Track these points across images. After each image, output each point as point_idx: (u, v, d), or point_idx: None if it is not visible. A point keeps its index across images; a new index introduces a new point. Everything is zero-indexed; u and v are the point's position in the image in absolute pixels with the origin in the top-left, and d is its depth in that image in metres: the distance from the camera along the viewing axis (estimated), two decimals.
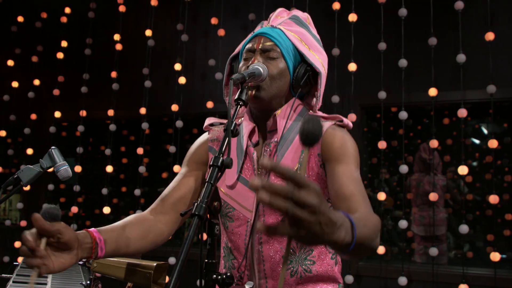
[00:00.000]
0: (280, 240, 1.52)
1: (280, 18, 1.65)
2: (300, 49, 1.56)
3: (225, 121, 1.69)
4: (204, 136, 1.71)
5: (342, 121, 1.56)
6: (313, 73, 1.58)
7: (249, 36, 1.61)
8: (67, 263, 1.22)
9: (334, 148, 1.47)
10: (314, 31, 1.66)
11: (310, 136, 0.95)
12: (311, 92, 1.64)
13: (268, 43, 1.54)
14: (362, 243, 1.05)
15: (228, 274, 1.18)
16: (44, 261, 1.17)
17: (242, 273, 1.57)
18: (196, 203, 1.13)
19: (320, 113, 1.61)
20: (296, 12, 1.67)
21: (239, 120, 1.67)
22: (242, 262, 1.56)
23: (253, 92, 1.49)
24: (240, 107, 1.36)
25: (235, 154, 1.59)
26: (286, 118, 1.54)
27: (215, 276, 1.18)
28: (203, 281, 1.19)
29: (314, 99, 1.62)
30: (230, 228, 1.59)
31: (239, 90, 1.37)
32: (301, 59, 1.57)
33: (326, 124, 1.51)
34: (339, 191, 1.40)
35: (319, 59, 1.58)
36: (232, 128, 1.28)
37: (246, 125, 1.60)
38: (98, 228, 1.38)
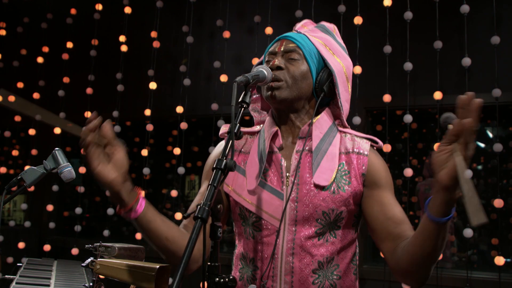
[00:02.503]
0: (312, 253, 1.48)
1: (305, 27, 1.65)
2: (323, 53, 1.55)
3: (248, 129, 1.67)
4: (220, 146, 1.68)
5: (377, 142, 1.59)
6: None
7: (274, 40, 1.62)
8: (109, 174, 1.30)
9: (382, 175, 1.53)
10: (340, 39, 1.65)
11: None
12: (335, 99, 1.61)
13: (290, 45, 1.54)
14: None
15: (231, 277, 1.17)
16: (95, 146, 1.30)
17: (265, 283, 1.51)
18: (199, 206, 1.13)
19: (350, 130, 1.61)
20: (323, 22, 1.67)
21: (258, 127, 1.67)
22: (266, 272, 1.51)
23: (273, 93, 1.49)
24: (244, 109, 1.35)
25: (256, 159, 1.55)
26: (320, 127, 1.54)
27: (217, 279, 1.17)
28: (205, 284, 1.19)
29: (336, 106, 1.61)
30: (257, 237, 1.54)
31: (243, 93, 1.36)
32: (325, 65, 1.56)
33: (365, 145, 1.55)
34: (392, 218, 1.48)
35: (341, 64, 1.58)
36: (235, 130, 1.28)
37: (268, 129, 1.58)
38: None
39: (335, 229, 1.51)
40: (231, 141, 1.24)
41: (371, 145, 1.57)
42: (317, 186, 1.47)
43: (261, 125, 1.67)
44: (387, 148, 3.74)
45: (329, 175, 1.48)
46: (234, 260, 1.63)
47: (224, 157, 1.22)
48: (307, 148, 1.53)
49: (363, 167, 1.51)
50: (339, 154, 1.53)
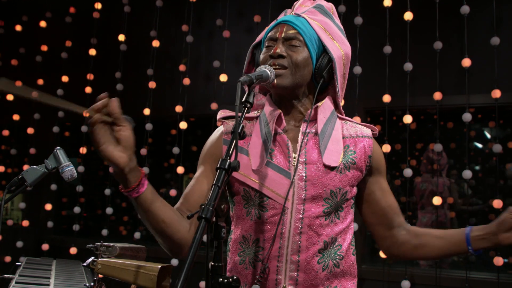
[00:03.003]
0: (319, 232, 1.49)
1: (304, 6, 1.64)
2: (323, 38, 1.55)
3: (248, 114, 1.66)
4: (218, 131, 1.67)
5: (374, 130, 1.65)
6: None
7: (272, 23, 1.60)
8: (115, 153, 1.30)
9: (383, 162, 1.65)
10: (338, 21, 1.64)
11: None
12: (334, 83, 1.62)
13: (291, 31, 1.53)
14: None
15: (235, 277, 1.17)
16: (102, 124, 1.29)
17: (269, 263, 1.50)
18: (203, 206, 1.13)
19: (349, 118, 1.66)
20: (321, 1, 1.65)
21: (255, 112, 1.67)
22: (270, 251, 1.49)
23: (275, 80, 1.49)
24: (248, 109, 1.35)
25: (260, 139, 1.55)
26: (324, 111, 1.57)
27: (221, 279, 1.17)
28: (209, 284, 1.18)
29: (334, 90, 1.62)
30: (263, 217, 1.52)
31: (247, 93, 1.36)
32: (323, 49, 1.56)
33: (368, 131, 1.62)
34: (391, 206, 1.65)
35: (341, 49, 1.58)
36: (239, 130, 1.27)
37: (269, 112, 1.57)
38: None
39: (339, 210, 1.54)
40: (235, 141, 1.24)
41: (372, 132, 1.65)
42: (326, 167, 1.51)
43: (259, 111, 1.66)
44: (386, 148, 3.74)
45: (337, 157, 1.53)
46: (231, 246, 1.61)
47: (228, 157, 1.21)
48: (313, 130, 1.55)
49: (370, 149, 1.58)
50: (343, 138, 1.57)
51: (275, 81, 1.49)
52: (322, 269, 1.49)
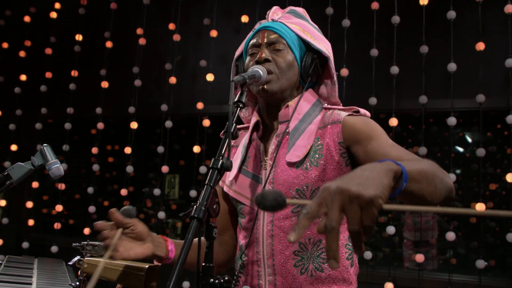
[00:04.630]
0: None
1: (276, 15, 1.65)
2: (304, 38, 1.56)
3: (242, 125, 1.70)
4: None
5: (358, 111, 1.53)
6: (320, 61, 1.59)
7: (251, 33, 1.61)
8: (139, 252, 1.40)
9: (358, 130, 1.45)
10: (312, 23, 1.67)
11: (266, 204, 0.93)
12: (321, 81, 1.64)
13: (273, 36, 1.53)
14: (419, 174, 1.08)
15: (226, 278, 1.16)
16: (116, 247, 1.35)
17: (250, 269, 1.53)
18: (195, 206, 1.12)
19: (336, 106, 1.59)
20: (292, 7, 1.67)
21: (248, 122, 1.70)
22: (250, 257, 1.52)
23: (265, 87, 1.49)
24: (240, 109, 1.34)
25: (240, 150, 1.61)
26: (295, 108, 1.54)
27: (212, 280, 1.16)
28: (200, 285, 1.18)
29: (323, 87, 1.63)
30: (244, 225, 1.56)
31: (239, 93, 1.36)
32: (306, 48, 1.57)
33: (343, 113, 1.51)
34: (388, 156, 1.32)
35: (324, 46, 1.58)
36: (232, 130, 1.27)
37: (252, 121, 1.61)
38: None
39: None
40: (227, 141, 1.24)
41: (352, 114, 1.52)
42: (289, 164, 1.48)
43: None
44: None
45: (301, 151, 1.47)
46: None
47: (221, 157, 1.21)
48: (287, 130, 1.53)
49: (338, 135, 1.48)
50: (317, 130, 1.51)
51: (265, 86, 1.49)
52: (300, 273, 1.46)
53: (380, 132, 1.45)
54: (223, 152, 1.23)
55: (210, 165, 1.20)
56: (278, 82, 1.50)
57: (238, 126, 1.64)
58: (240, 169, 1.58)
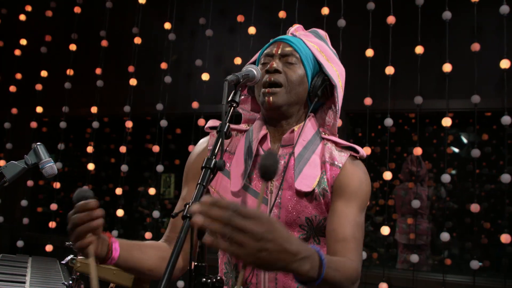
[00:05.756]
0: None
1: (297, 32, 1.64)
2: (319, 58, 1.54)
3: (235, 126, 1.64)
4: (203, 143, 1.63)
5: (357, 151, 1.51)
6: (330, 85, 1.56)
7: (269, 43, 1.59)
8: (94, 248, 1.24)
9: (349, 188, 1.45)
10: (331, 47, 1.64)
11: (268, 171, 1.04)
12: (327, 105, 1.61)
13: (288, 48, 1.52)
14: (331, 283, 1.13)
15: (218, 277, 1.16)
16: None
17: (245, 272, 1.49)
18: (187, 205, 1.12)
19: (332, 137, 1.56)
20: (315, 29, 1.66)
21: (245, 126, 1.64)
22: (249, 278, 1.49)
23: (270, 99, 1.47)
24: (234, 109, 1.34)
25: (242, 160, 1.53)
26: (300, 133, 1.51)
27: (204, 279, 1.16)
28: (192, 285, 1.17)
29: (329, 113, 1.60)
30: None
31: (233, 92, 1.35)
32: (319, 69, 1.55)
33: (343, 156, 1.50)
34: (335, 231, 1.40)
35: (336, 71, 1.57)
36: (225, 130, 1.27)
37: (257, 131, 1.55)
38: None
39: (319, 235, 1.49)
40: (220, 140, 1.23)
41: (352, 155, 1.52)
42: (299, 192, 1.45)
43: (249, 125, 1.65)
44: (366, 151, 3.76)
45: (311, 182, 1.45)
46: (219, 262, 1.60)
47: (213, 156, 1.21)
48: (291, 153, 1.50)
49: (333, 178, 1.47)
50: (322, 163, 1.50)
51: (271, 98, 1.47)
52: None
53: (361, 201, 1.45)
54: (216, 152, 1.22)
55: (203, 165, 1.19)
56: (285, 96, 1.48)
57: (232, 126, 1.62)
58: (246, 186, 1.51)
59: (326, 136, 1.56)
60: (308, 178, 1.46)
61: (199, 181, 1.17)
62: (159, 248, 1.49)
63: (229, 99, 1.34)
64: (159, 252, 1.47)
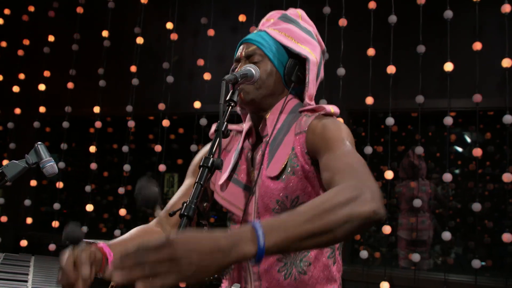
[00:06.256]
0: None
1: (271, 20, 1.67)
2: (285, 43, 1.57)
3: (235, 126, 1.70)
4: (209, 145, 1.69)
5: (324, 109, 1.52)
6: (305, 66, 1.58)
7: (237, 46, 1.65)
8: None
9: (316, 140, 1.41)
10: (307, 24, 1.66)
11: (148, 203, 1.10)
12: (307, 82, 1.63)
13: (251, 48, 1.57)
14: (294, 236, 0.96)
15: (215, 275, 1.17)
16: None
17: (236, 273, 1.56)
18: (185, 204, 1.13)
19: (309, 106, 1.55)
20: (287, 11, 1.68)
21: (241, 126, 1.69)
22: (245, 267, 1.55)
23: (241, 95, 1.52)
24: (232, 108, 1.35)
25: (232, 156, 1.61)
26: (276, 119, 1.54)
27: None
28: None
29: (312, 88, 1.60)
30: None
31: (231, 91, 1.37)
32: (290, 53, 1.58)
33: (310, 119, 1.49)
34: (326, 179, 1.27)
35: (307, 49, 1.58)
36: (223, 129, 1.28)
37: (246, 126, 1.62)
38: (108, 242, 1.41)
39: None
40: (218, 139, 1.24)
41: (321, 116, 1.50)
42: (269, 177, 1.49)
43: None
44: (368, 150, 3.76)
45: (279, 164, 1.48)
46: None
47: (211, 155, 1.22)
48: (267, 140, 1.54)
49: (303, 145, 1.46)
50: (294, 139, 1.49)
51: (241, 94, 1.52)
52: (284, 277, 1.48)
53: (336, 140, 1.36)
54: (213, 151, 1.24)
55: (201, 164, 1.20)
56: (256, 91, 1.53)
57: (232, 127, 1.67)
58: (230, 177, 1.58)
59: (303, 108, 1.56)
60: (278, 161, 1.49)
61: (196, 180, 1.18)
62: (149, 236, 1.54)
63: (227, 98, 1.35)
64: (146, 234, 1.55)
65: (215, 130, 1.29)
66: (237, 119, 1.77)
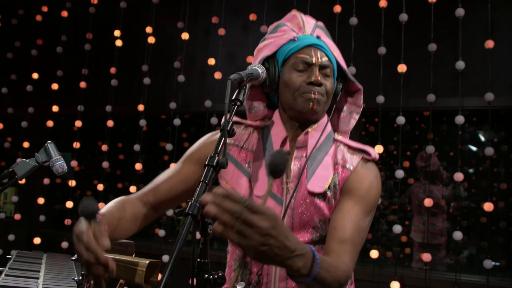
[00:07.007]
0: None
1: (308, 25, 1.61)
2: (341, 64, 1.56)
3: (251, 122, 1.64)
4: (213, 136, 1.64)
5: (369, 154, 1.53)
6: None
7: (294, 41, 1.54)
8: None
9: (358, 191, 1.46)
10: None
11: (277, 169, 1.08)
12: (341, 105, 1.65)
13: (325, 59, 1.51)
14: (320, 283, 1.15)
15: (220, 274, 1.17)
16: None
17: (249, 277, 1.51)
18: (190, 202, 1.13)
19: (345, 140, 1.57)
20: (318, 22, 1.66)
21: (259, 122, 1.63)
22: (264, 278, 1.50)
23: (315, 106, 1.48)
24: (238, 107, 1.35)
25: (263, 163, 1.53)
26: (318, 137, 1.53)
27: (206, 275, 1.17)
28: (194, 280, 1.19)
29: (345, 112, 1.64)
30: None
31: (237, 91, 1.36)
32: (338, 72, 1.58)
33: (355, 159, 1.51)
34: (336, 229, 1.41)
35: (347, 71, 1.59)
36: (228, 128, 1.28)
37: (276, 133, 1.55)
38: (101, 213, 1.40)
39: None
40: (223, 139, 1.24)
41: (364, 158, 1.53)
42: (311, 194, 1.46)
43: (263, 121, 1.64)
44: (379, 149, 3.75)
45: (323, 183, 1.47)
46: (228, 258, 1.62)
47: (217, 154, 1.22)
48: (304, 155, 1.52)
49: (344, 181, 1.49)
50: (334, 165, 1.51)
51: (315, 106, 1.47)
52: None
53: (369, 205, 1.46)
54: (219, 149, 1.24)
55: (206, 163, 1.20)
56: (323, 105, 1.51)
57: (248, 122, 1.63)
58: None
59: (339, 138, 1.58)
60: (321, 179, 1.47)
61: (201, 179, 1.18)
62: (135, 216, 1.55)
63: (233, 97, 1.35)
64: (134, 220, 1.55)
65: (221, 130, 1.29)
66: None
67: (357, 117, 1.64)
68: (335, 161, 1.51)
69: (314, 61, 1.50)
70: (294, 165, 1.51)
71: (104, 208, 1.46)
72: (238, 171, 1.55)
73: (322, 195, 1.47)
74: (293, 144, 1.55)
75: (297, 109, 1.50)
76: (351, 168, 1.50)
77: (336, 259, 1.33)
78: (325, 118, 1.57)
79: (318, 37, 1.56)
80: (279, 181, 1.51)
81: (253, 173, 1.53)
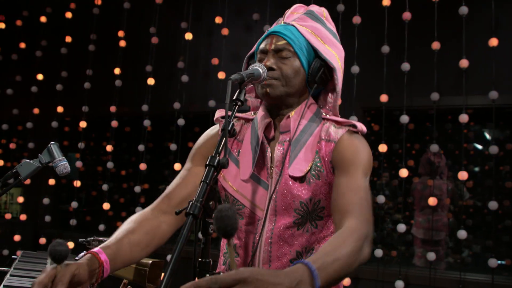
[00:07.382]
0: (290, 243, 1.51)
1: (295, 14, 1.63)
2: (314, 44, 1.54)
3: (243, 115, 1.68)
4: (214, 129, 1.68)
5: (355, 126, 1.53)
6: (329, 68, 1.57)
7: (264, 35, 1.60)
8: None
9: (345, 158, 1.47)
10: (331, 25, 1.64)
11: (228, 230, 1.03)
12: (328, 87, 1.63)
13: (281, 42, 1.52)
14: (333, 279, 1.14)
15: (221, 274, 1.18)
16: None
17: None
18: (191, 202, 1.13)
19: (333, 117, 1.58)
20: (312, 7, 1.65)
21: (252, 114, 1.67)
22: (244, 259, 1.54)
23: (267, 90, 1.50)
24: (239, 107, 1.35)
25: (250, 148, 1.56)
26: (299, 119, 1.53)
27: (208, 275, 1.18)
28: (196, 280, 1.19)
29: (330, 95, 1.62)
30: (241, 226, 1.56)
31: (238, 91, 1.36)
32: (315, 54, 1.56)
33: (340, 131, 1.51)
34: (335, 202, 1.41)
35: (334, 53, 1.57)
36: (229, 128, 1.28)
37: (261, 119, 1.57)
38: (102, 246, 1.37)
39: (317, 220, 1.52)
40: (224, 139, 1.25)
41: (350, 130, 1.53)
42: (292, 177, 1.49)
43: (255, 113, 1.67)
44: (383, 148, 3.75)
45: (304, 166, 1.49)
46: (221, 244, 1.66)
47: (217, 154, 1.22)
48: (288, 139, 1.54)
49: (329, 154, 1.50)
50: (316, 144, 1.52)
51: (268, 90, 1.50)
52: None
53: (360, 167, 1.45)
54: (220, 149, 1.24)
55: (207, 163, 1.20)
56: (282, 88, 1.51)
57: (240, 115, 1.66)
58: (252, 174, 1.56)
59: (327, 117, 1.59)
60: (302, 163, 1.49)
61: (202, 179, 1.19)
62: (146, 230, 1.51)
63: (234, 97, 1.35)
64: (146, 237, 1.50)
65: (221, 130, 1.29)
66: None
67: (333, 96, 1.62)
68: (318, 139, 1.52)
69: (268, 48, 1.54)
70: (278, 150, 1.54)
71: (114, 235, 1.45)
72: (229, 160, 1.58)
73: (303, 178, 1.48)
74: (276, 130, 1.58)
75: (260, 96, 1.55)
76: (335, 140, 1.50)
77: (339, 233, 1.28)
78: (308, 101, 1.58)
79: (285, 23, 1.58)
80: (265, 165, 1.55)
81: (241, 159, 1.57)
